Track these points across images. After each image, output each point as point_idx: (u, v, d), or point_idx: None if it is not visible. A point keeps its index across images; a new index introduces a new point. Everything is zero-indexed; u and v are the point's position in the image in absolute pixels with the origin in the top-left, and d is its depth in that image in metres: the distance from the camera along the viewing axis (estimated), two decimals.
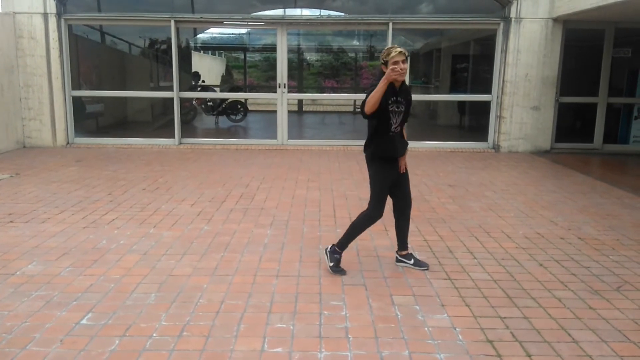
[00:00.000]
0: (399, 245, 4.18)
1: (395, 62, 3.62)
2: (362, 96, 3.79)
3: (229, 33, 18.34)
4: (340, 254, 4.02)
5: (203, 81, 14.79)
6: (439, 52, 15.15)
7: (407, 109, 3.88)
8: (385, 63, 3.69)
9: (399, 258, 4.16)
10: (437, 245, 4.64)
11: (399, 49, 3.68)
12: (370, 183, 3.97)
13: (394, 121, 3.80)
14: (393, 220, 4.14)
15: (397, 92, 3.78)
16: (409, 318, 3.28)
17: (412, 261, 4.12)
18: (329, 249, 4.05)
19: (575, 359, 2.86)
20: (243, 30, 17.47)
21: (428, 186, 6.95)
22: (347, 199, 6.23)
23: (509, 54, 9.63)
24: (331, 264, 3.98)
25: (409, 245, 4.22)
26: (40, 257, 4.21)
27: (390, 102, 3.75)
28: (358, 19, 10.41)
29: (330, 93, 18.11)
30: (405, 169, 4.03)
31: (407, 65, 3.73)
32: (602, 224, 5.36)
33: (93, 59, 12.19)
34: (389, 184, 3.93)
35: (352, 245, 4.52)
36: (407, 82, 3.95)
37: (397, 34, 11.45)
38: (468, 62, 14.11)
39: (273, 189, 6.65)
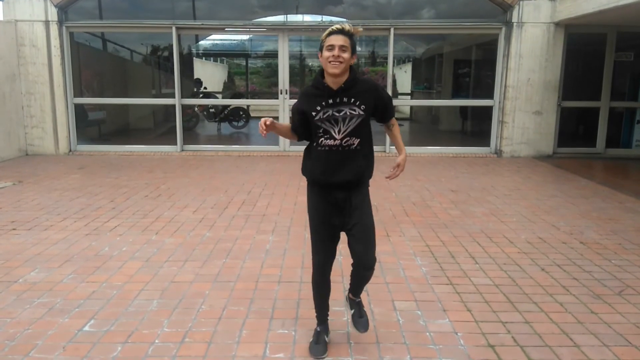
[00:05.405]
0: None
1: (329, 48, 2.56)
2: None
3: (231, 40, 18.43)
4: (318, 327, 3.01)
5: (205, 88, 14.86)
6: (441, 57, 15.19)
7: (369, 110, 2.65)
8: (321, 49, 2.62)
9: (349, 297, 3.11)
10: (439, 251, 4.64)
11: (336, 26, 2.58)
12: None
13: (333, 131, 2.64)
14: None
15: (333, 94, 2.62)
16: (411, 323, 3.28)
17: (352, 311, 3.04)
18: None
19: None
20: (245, 37, 17.56)
21: (430, 191, 6.95)
22: None
23: (511, 58, 9.64)
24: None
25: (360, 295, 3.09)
26: (43, 265, 4.22)
27: (318, 109, 2.63)
28: (359, 25, 10.40)
29: None
30: (360, 213, 2.73)
31: (348, 54, 2.57)
32: (604, 229, 5.35)
33: (95, 66, 12.27)
34: (323, 219, 2.80)
35: None
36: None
37: (399, 39, 11.46)
38: (470, 67, 14.14)
39: (275, 196, 6.66)
